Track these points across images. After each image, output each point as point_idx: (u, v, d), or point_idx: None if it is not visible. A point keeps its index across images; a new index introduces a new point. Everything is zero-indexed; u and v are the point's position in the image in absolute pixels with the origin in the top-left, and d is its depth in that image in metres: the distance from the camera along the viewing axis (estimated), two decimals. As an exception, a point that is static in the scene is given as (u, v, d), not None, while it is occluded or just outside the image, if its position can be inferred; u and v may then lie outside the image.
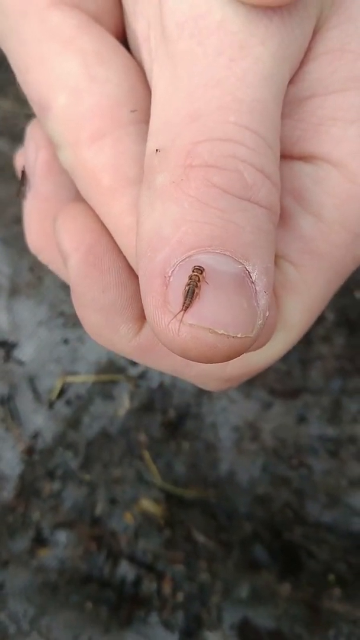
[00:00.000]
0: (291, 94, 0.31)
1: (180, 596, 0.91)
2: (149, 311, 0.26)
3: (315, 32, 0.30)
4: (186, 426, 1.02)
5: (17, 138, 1.18)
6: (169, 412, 1.03)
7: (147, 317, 0.26)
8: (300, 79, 0.31)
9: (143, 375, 1.05)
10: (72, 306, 1.13)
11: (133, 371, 1.05)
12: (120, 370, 1.05)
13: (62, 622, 0.87)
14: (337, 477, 1.00)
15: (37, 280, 1.08)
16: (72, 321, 1.07)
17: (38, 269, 1.08)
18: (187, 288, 0.24)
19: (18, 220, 1.11)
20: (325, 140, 0.31)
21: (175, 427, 1.02)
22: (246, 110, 0.26)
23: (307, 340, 1.08)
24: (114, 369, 1.05)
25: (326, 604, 0.91)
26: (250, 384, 1.05)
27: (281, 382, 1.06)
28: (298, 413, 1.04)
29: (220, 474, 0.99)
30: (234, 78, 0.26)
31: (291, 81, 0.30)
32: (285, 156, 0.32)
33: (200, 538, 0.95)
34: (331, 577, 0.93)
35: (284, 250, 0.33)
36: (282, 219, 0.32)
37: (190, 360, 0.25)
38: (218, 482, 0.99)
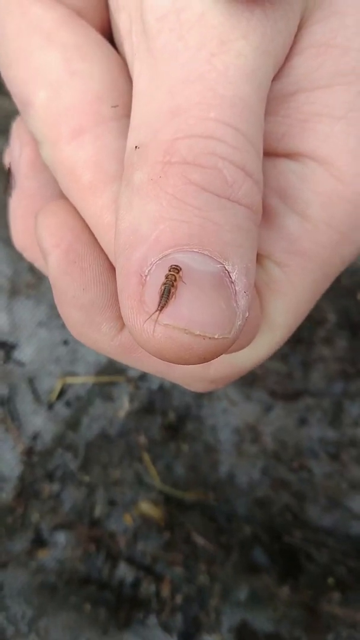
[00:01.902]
0: (276, 89, 0.30)
1: (179, 598, 0.91)
2: (124, 310, 0.25)
3: (300, 27, 0.29)
4: (186, 428, 1.02)
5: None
6: (169, 414, 1.03)
7: (122, 316, 0.26)
8: (285, 74, 0.30)
9: (143, 376, 1.05)
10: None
11: (133, 373, 1.05)
12: (120, 371, 1.04)
13: (60, 623, 0.87)
14: (338, 480, 1.00)
15: (37, 280, 1.08)
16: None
17: (38, 270, 1.08)
18: (163, 287, 0.24)
19: (18, 220, 1.11)
20: (311, 137, 0.31)
21: (175, 429, 1.02)
22: (227, 106, 0.26)
23: (308, 343, 1.07)
24: (113, 370, 1.04)
25: (325, 608, 0.91)
26: (251, 386, 1.04)
27: (282, 384, 1.05)
28: (299, 416, 1.04)
29: (220, 477, 0.99)
30: (215, 73, 0.26)
31: (276, 77, 0.29)
32: (270, 153, 0.32)
33: (200, 540, 0.94)
34: (330, 580, 0.93)
35: (269, 250, 0.32)
36: (267, 218, 0.32)
37: (166, 361, 0.25)
38: (218, 485, 0.99)
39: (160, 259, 0.24)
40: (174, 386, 1.04)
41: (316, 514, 0.98)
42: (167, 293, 0.24)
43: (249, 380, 1.04)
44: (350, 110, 0.30)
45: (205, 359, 0.25)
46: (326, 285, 0.34)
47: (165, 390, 1.04)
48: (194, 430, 1.02)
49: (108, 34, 0.34)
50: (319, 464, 1.01)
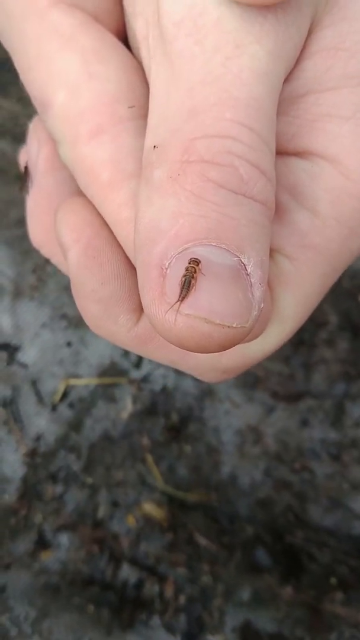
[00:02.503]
0: (287, 91, 0.31)
1: (182, 599, 0.91)
2: (146, 302, 0.26)
3: (310, 31, 0.30)
4: (189, 429, 1.02)
5: (19, 139, 1.18)
6: (171, 416, 1.03)
7: (144, 308, 0.27)
8: (295, 76, 0.31)
9: (146, 378, 1.05)
10: (75, 309, 1.12)
11: (136, 374, 1.05)
12: (123, 373, 1.05)
13: (63, 624, 0.88)
14: (339, 481, 1.00)
15: (41, 282, 1.08)
16: (75, 324, 1.07)
17: (41, 271, 1.08)
18: (183, 279, 0.25)
19: (21, 222, 1.11)
20: (320, 137, 0.32)
21: (177, 431, 1.02)
22: (242, 107, 0.27)
23: (310, 344, 1.08)
24: (116, 371, 1.05)
25: (328, 607, 0.91)
26: (253, 387, 1.05)
27: (284, 385, 1.06)
28: (301, 417, 1.04)
29: (223, 478, 1.00)
30: (230, 75, 0.27)
31: (287, 79, 0.31)
32: (281, 152, 0.33)
33: (203, 541, 0.95)
34: (333, 580, 0.94)
35: (280, 244, 0.33)
36: (278, 213, 0.33)
37: (186, 349, 0.26)
38: (220, 486, 0.99)
39: (180, 253, 0.25)
40: (177, 388, 1.04)
41: (318, 515, 0.98)
42: (187, 284, 0.25)
43: (251, 382, 1.05)
44: (357, 110, 0.31)
45: (224, 347, 0.26)
46: (334, 278, 0.36)
47: (168, 391, 1.04)
48: (196, 431, 1.02)
49: (123, 37, 0.35)
50: (321, 464, 1.01)
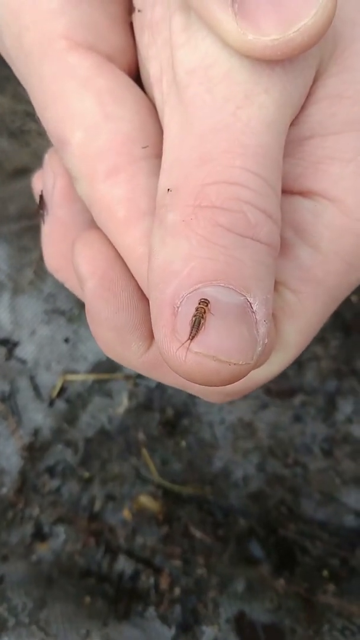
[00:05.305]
0: (293, 134, 0.33)
1: (177, 591, 0.92)
2: (159, 338, 0.28)
3: (316, 79, 0.32)
4: (183, 425, 1.04)
5: (15, 135, 1.20)
6: (166, 411, 1.05)
7: (157, 342, 0.29)
8: (301, 120, 0.33)
9: (141, 375, 1.07)
10: (73, 305, 1.14)
11: (131, 371, 1.07)
12: (120, 369, 1.07)
13: (60, 615, 0.89)
14: (331, 475, 1.02)
15: (39, 278, 1.10)
16: (72, 320, 1.09)
17: (40, 268, 1.10)
18: (194, 318, 0.27)
19: (19, 217, 1.13)
20: (324, 178, 0.34)
21: (173, 426, 1.04)
22: (251, 154, 0.29)
23: (302, 342, 1.10)
24: (113, 368, 1.06)
25: (320, 599, 0.93)
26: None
27: (277, 382, 1.08)
28: (293, 413, 1.06)
29: (217, 471, 1.01)
30: (239, 124, 0.29)
31: (293, 123, 0.33)
32: (287, 192, 0.35)
33: (197, 534, 0.96)
34: (325, 572, 0.95)
35: (284, 278, 0.36)
36: (283, 249, 0.35)
37: (194, 383, 0.28)
38: (215, 479, 1.01)
39: (190, 293, 0.27)
40: (172, 384, 1.06)
41: (310, 508, 1.00)
42: (197, 324, 0.27)
43: (245, 378, 1.07)
44: (359, 154, 0.33)
45: (230, 382, 0.28)
46: (333, 308, 0.39)
47: (163, 388, 1.06)
48: (191, 426, 1.04)
49: (135, 75, 0.37)
50: (313, 459, 1.03)
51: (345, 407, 1.07)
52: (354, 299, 1.13)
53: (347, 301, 1.12)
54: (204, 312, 0.27)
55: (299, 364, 1.09)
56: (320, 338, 1.10)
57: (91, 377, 1.05)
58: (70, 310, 1.09)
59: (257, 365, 0.34)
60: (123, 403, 1.04)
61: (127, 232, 0.33)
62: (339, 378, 1.08)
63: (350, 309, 1.12)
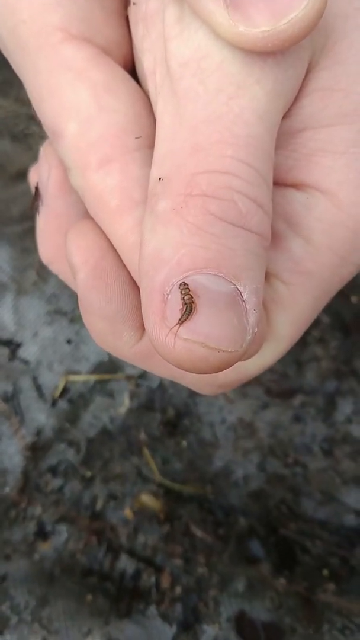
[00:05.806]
0: (286, 126, 0.34)
1: (178, 589, 0.93)
2: (148, 325, 0.29)
3: (308, 72, 0.33)
4: (184, 425, 1.05)
5: (17, 138, 1.21)
6: (168, 411, 1.06)
7: (147, 330, 0.29)
8: (294, 113, 0.33)
9: (143, 375, 1.08)
10: (75, 306, 1.15)
11: (133, 371, 1.08)
12: (121, 370, 1.08)
13: (62, 613, 0.89)
14: (331, 475, 1.03)
15: (42, 280, 1.11)
16: (75, 321, 1.10)
17: (42, 269, 1.11)
18: (184, 306, 0.27)
19: (21, 219, 1.14)
20: (316, 170, 0.34)
21: (174, 426, 1.05)
22: (242, 145, 0.29)
23: (302, 342, 1.11)
24: (115, 368, 1.07)
25: (320, 598, 0.93)
26: (247, 384, 1.08)
27: (277, 382, 1.09)
28: (294, 413, 1.07)
29: (218, 471, 1.02)
30: (231, 115, 0.29)
31: (286, 115, 0.33)
32: (279, 184, 0.36)
33: (198, 533, 0.97)
34: (325, 571, 0.96)
35: (276, 270, 0.36)
36: (275, 241, 0.35)
37: (184, 370, 0.28)
38: (215, 479, 1.01)
39: (180, 280, 0.28)
40: (173, 384, 1.07)
41: (311, 508, 1.01)
42: (187, 310, 0.27)
43: (246, 379, 1.07)
44: (351, 146, 0.34)
45: (219, 369, 0.28)
46: (326, 301, 0.38)
47: (165, 388, 1.07)
48: (192, 426, 1.05)
49: (130, 67, 0.37)
50: (313, 459, 1.04)
51: (345, 407, 1.07)
52: (354, 299, 1.14)
53: (347, 301, 1.13)
54: (193, 299, 0.27)
55: (299, 364, 1.10)
56: (320, 338, 1.11)
57: (93, 378, 1.06)
58: (73, 312, 1.10)
59: (248, 354, 0.34)
60: (124, 403, 1.05)
61: (119, 221, 0.33)
62: (338, 378, 1.09)
63: (350, 309, 1.12)
